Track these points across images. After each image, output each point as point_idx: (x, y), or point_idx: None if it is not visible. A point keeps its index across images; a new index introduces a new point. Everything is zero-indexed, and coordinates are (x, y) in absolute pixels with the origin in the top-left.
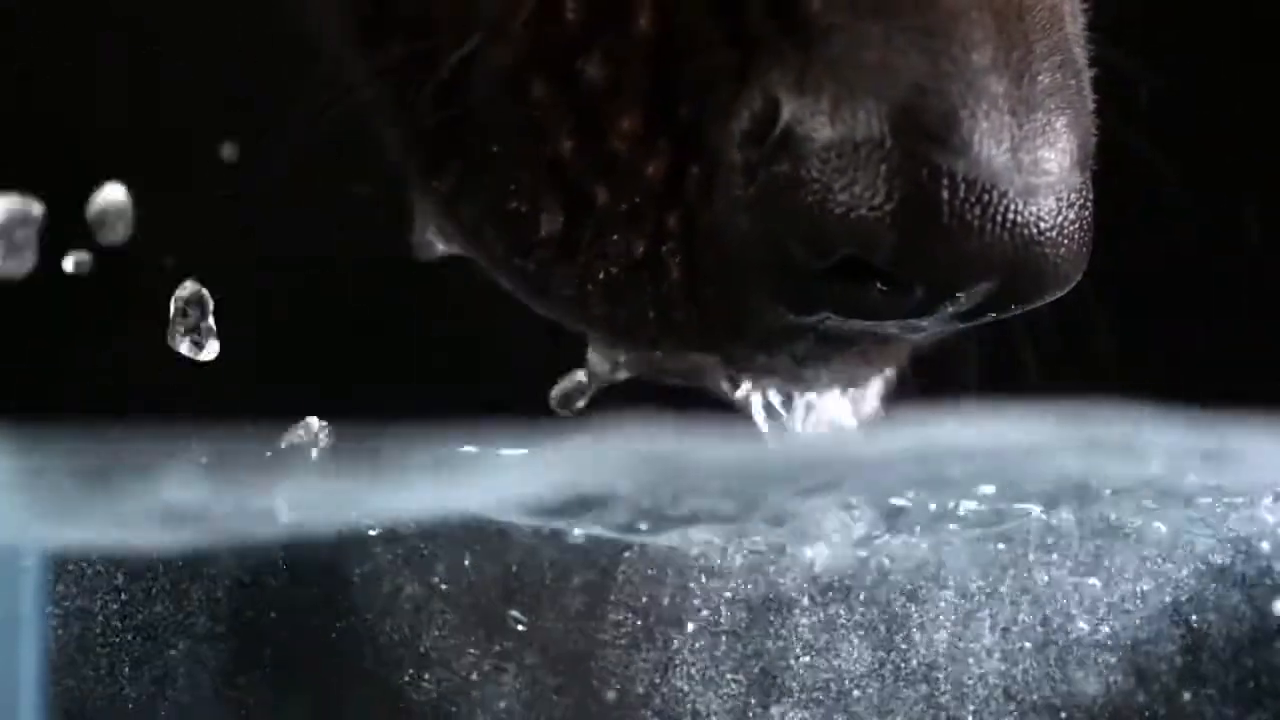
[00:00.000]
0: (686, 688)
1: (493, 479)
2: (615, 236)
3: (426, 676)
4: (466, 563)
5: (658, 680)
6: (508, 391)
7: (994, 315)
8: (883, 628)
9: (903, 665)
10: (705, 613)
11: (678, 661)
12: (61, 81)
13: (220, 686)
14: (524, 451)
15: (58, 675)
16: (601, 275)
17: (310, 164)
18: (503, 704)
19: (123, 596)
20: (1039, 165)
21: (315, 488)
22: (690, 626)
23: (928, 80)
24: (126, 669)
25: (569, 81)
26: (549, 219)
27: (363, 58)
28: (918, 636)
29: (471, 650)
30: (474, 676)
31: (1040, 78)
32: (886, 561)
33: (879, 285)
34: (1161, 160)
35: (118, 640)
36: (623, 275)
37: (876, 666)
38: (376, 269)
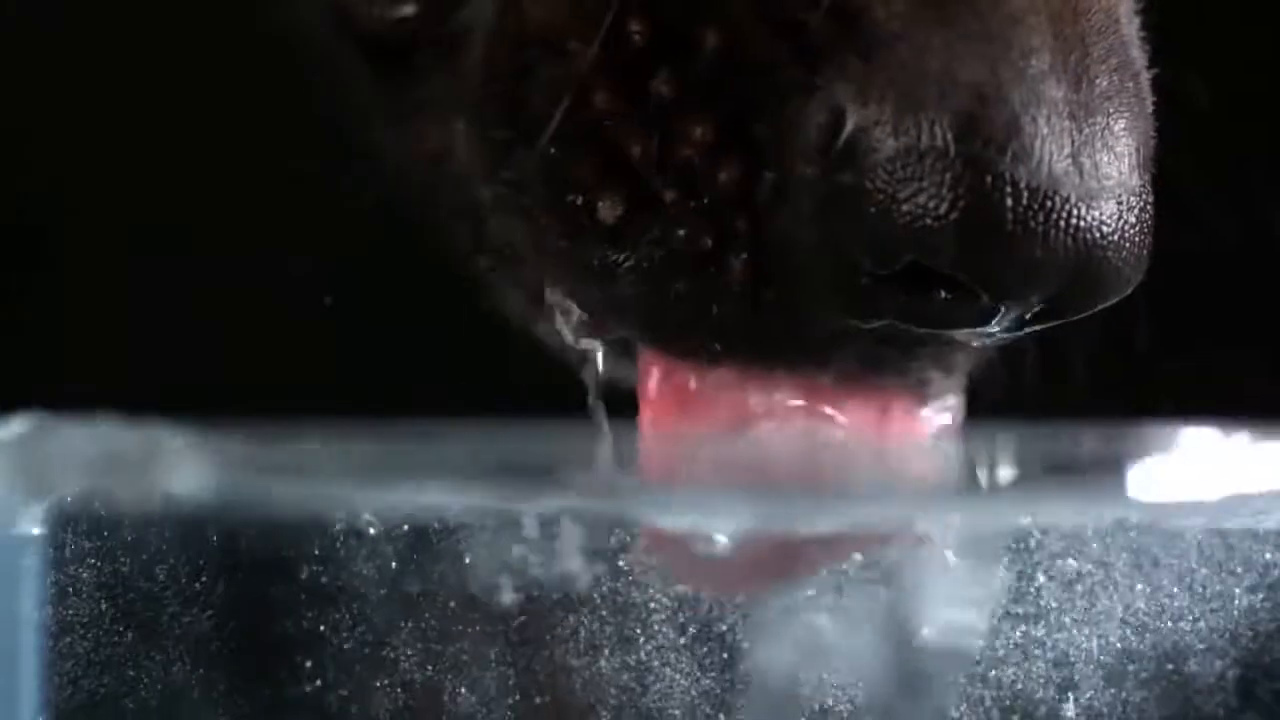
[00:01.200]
0: None
1: None
2: (681, 233)
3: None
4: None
5: None
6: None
7: (1056, 320)
8: None
9: None
10: None
11: None
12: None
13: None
14: None
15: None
16: (664, 272)
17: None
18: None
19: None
20: (1099, 169)
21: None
22: None
23: (988, 88)
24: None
25: (639, 97)
26: (612, 210)
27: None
28: None
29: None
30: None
31: (1098, 81)
32: None
33: (943, 292)
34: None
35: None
36: (685, 274)
37: None
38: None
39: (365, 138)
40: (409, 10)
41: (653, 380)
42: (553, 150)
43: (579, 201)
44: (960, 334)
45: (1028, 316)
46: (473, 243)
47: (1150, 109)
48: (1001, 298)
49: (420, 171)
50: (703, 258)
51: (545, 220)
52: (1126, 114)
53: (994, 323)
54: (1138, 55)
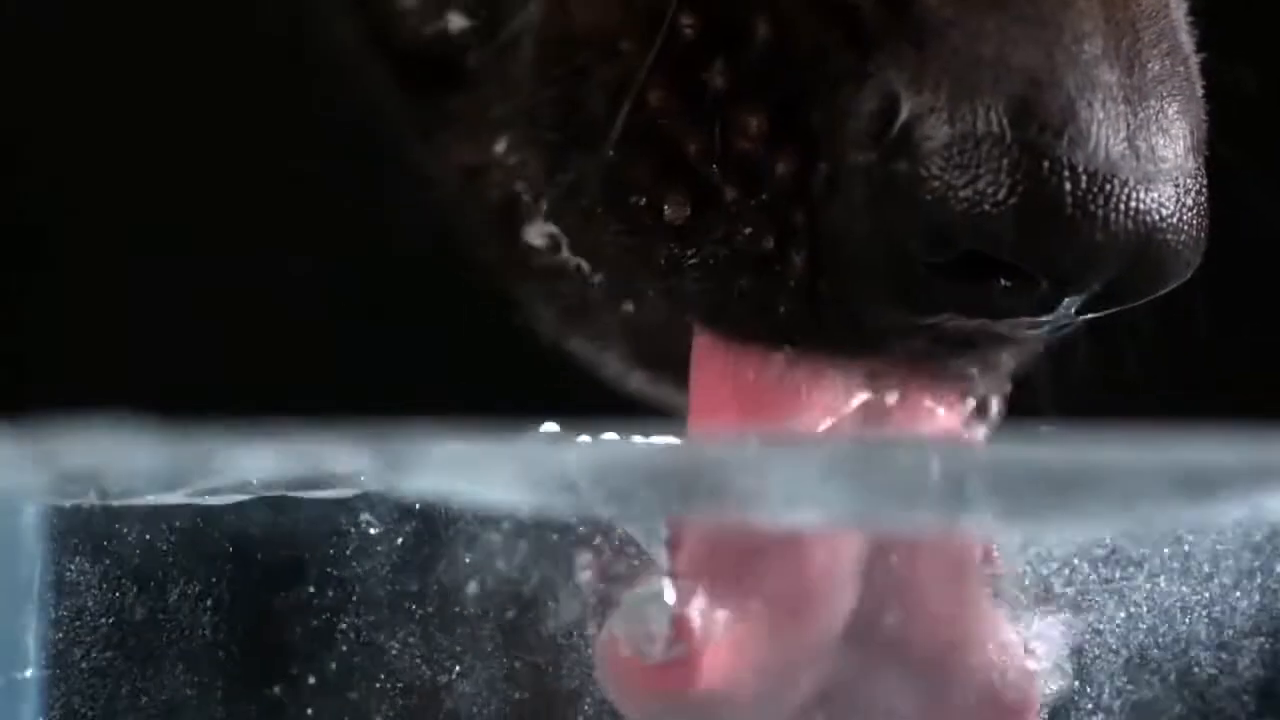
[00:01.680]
0: None
1: None
2: (743, 230)
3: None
4: None
5: None
6: None
7: (1114, 307)
8: None
9: None
10: None
11: None
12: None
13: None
14: None
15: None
16: (726, 268)
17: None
18: None
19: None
20: (1155, 152)
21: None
22: None
23: (1042, 73)
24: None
25: (694, 93)
26: (678, 211)
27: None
28: None
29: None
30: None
31: (1150, 65)
32: None
33: (1002, 281)
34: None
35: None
36: (748, 270)
37: None
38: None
39: (393, 149)
40: (457, 20)
41: (707, 371)
42: (612, 153)
43: (643, 202)
44: (1018, 324)
45: (1086, 303)
46: (508, 257)
47: (1201, 93)
48: (1062, 283)
49: (453, 185)
50: (765, 253)
51: (607, 221)
52: (1179, 98)
53: (1054, 311)
54: (1187, 40)
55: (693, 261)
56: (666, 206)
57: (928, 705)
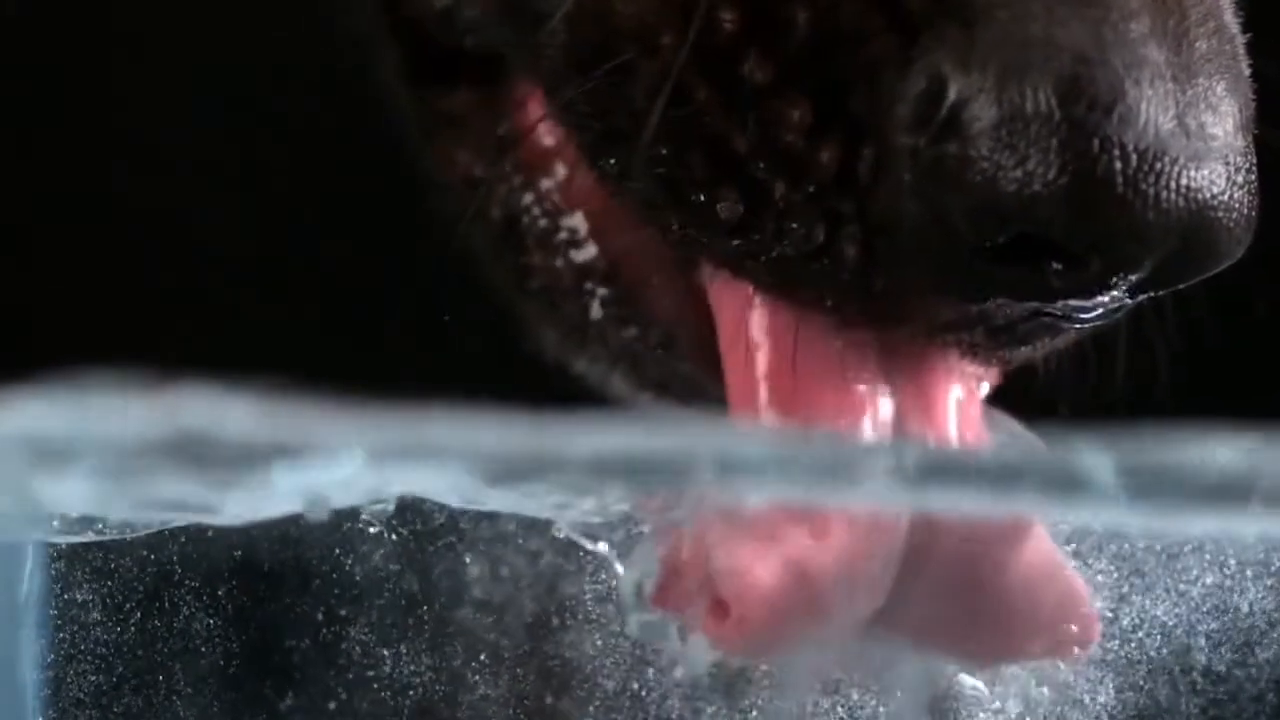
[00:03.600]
0: None
1: None
2: (793, 224)
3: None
4: None
5: None
6: None
7: (1166, 288)
8: None
9: None
10: None
11: None
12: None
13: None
14: None
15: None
16: (780, 262)
17: None
18: None
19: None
20: (1205, 131)
21: None
22: None
23: (1091, 52)
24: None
25: (736, 84)
26: (729, 209)
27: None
28: None
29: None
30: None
31: (1197, 44)
32: None
33: (1053, 263)
34: None
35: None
36: (800, 261)
37: None
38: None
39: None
40: (488, 8)
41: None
42: (659, 149)
43: (697, 199)
44: (1070, 307)
45: (1138, 285)
46: (513, 275)
47: (1247, 73)
48: (1114, 263)
49: (456, 197)
50: (816, 246)
51: (658, 215)
52: (1227, 76)
53: (1105, 292)
54: (1232, 19)
55: (745, 256)
56: (720, 208)
57: (982, 626)
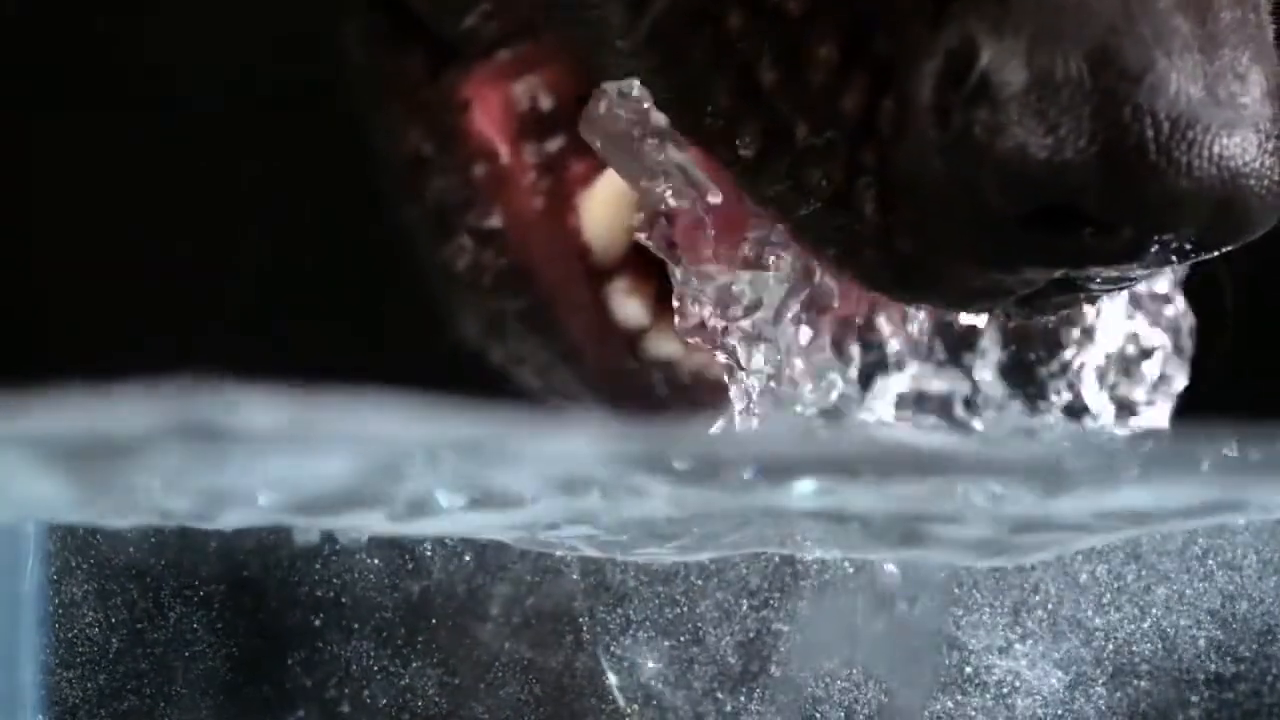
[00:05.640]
0: None
1: None
2: (811, 166)
3: None
4: None
5: None
6: None
7: (1199, 256)
8: None
9: None
10: None
11: None
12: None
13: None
14: None
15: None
16: (797, 205)
17: None
18: None
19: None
20: (1234, 99)
21: None
22: None
23: (1120, 21)
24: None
25: (766, 12)
26: (748, 142)
27: None
28: None
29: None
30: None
31: (1222, 15)
32: None
33: (1087, 230)
34: None
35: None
36: (816, 207)
37: None
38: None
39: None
40: None
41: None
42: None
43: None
44: (1103, 273)
45: (1171, 251)
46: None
47: (1272, 40)
48: (1148, 231)
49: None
50: (833, 194)
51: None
52: (1253, 45)
53: (1139, 258)
54: None
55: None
56: (740, 144)
57: None
